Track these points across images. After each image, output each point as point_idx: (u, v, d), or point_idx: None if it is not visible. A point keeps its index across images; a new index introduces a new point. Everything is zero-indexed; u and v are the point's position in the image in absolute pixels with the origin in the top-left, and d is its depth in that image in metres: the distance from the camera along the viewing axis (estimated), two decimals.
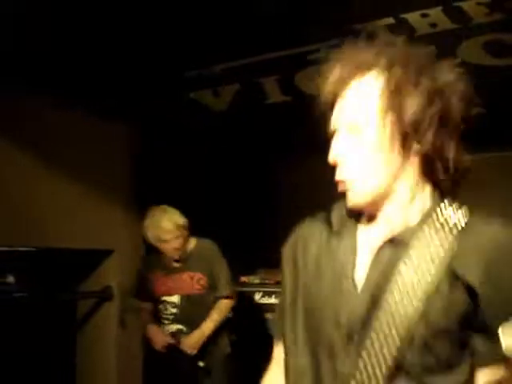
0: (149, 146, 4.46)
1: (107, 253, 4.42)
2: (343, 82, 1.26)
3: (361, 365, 1.19)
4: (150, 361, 4.58)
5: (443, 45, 3.07)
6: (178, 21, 3.02)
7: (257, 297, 4.92)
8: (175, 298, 3.80)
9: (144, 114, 4.18)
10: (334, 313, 1.24)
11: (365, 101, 1.24)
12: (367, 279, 1.24)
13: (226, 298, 3.84)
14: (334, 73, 1.28)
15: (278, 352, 1.44)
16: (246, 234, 5.01)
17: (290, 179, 5.35)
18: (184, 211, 4.49)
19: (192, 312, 3.76)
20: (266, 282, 4.99)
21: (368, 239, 1.28)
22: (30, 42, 3.09)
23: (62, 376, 4.45)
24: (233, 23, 2.98)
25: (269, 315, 4.78)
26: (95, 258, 4.44)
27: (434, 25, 2.91)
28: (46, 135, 3.87)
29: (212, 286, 3.82)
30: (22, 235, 3.77)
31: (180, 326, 3.81)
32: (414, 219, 1.25)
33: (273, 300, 4.91)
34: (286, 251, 1.47)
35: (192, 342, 3.71)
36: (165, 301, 3.83)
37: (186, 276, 3.79)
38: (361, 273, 1.25)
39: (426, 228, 1.22)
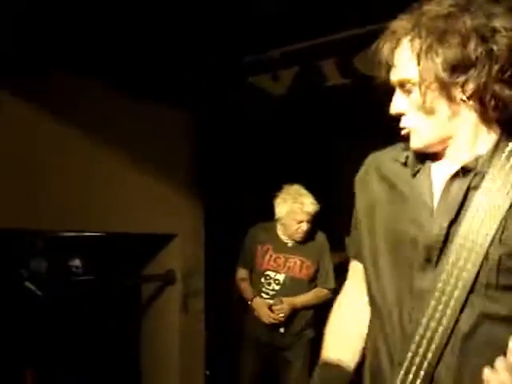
0: (209, 132, 4.49)
1: (170, 237, 4.48)
2: (391, 47, 1.37)
3: (439, 285, 1.27)
4: (213, 343, 4.67)
5: None
6: (237, 6, 3.02)
7: None
8: (281, 277, 3.90)
9: (204, 99, 4.21)
10: (414, 235, 1.33)
11: (406, 60, 1.34)
12: (441, 205, 1.32)
13: (328, 289, 3.95)
14: (385, 39, 1.39)
15: (353, 270, 1.58)
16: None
17: (352, 163, 5.29)
18: (244, 196, 4.52)
19: (292, 294, 3.86)
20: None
21: (440, 173, 1.37)
22: (94, 31, 3.16)
23: (126, 358, 4.57)
24: (291, 6, 2.97)
25: None
26: (158, 242, 4.52)
27: None
28: (110, 123, 3.94)
29: (315, 276, 3.96)
30: (88, 221, 3.87)
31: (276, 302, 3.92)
32: (481, 154, 1.32)
33: None
34: (359, 177, 1.57)
35: (285, 307, 3.80)
36: (269, 276, 3.91)
37: (297, 259, 3.91)
38: (436, 201, 1.34)
39: (496, 158, 1.30)
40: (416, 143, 1.38)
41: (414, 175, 1.40)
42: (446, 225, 1.30)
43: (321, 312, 3.85)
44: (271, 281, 3.90)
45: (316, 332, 3.87)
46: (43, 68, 3.37)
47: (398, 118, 1.40)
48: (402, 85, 1.36)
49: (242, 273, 4.07)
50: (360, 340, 1.54)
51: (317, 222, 3.94)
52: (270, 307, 3.82)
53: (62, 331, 4.11)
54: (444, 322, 1.26)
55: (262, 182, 4.83)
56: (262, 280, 3.92)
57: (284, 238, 3.95)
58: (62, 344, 4.10)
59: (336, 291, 3.89)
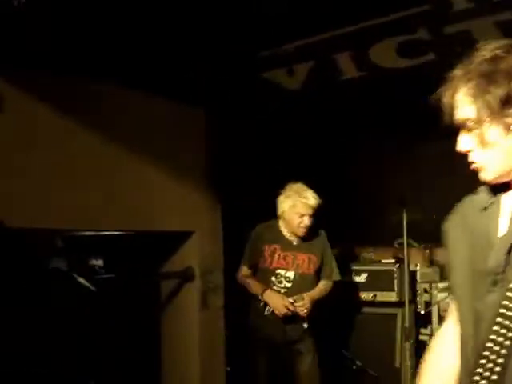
0: (225, 129, 4.50)
1: (188, 234, 4.50)
2: (450, 93, 1.51)
3: (504, 302, 1.38)
4: (233, 340, 4.68)
5: None
6: (250, 0, 3.03)
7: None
8: (291, 274, 4.07)
9: (218, 96, 4.21)
10: (484, 263, 1.45)
11: (464, 102, 1.48)
12: (504, 235, 1.44)
13: (332, 281, 4.25)
14: (445, 86, 1.54)
15: (451, 310, 1.68)
16: (322, 213, 5.04)
17: (368, 157, 5.29)
18: (261, 193, 4.52)
19: (302, 289, 4.05)
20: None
21: (508, 202, 1.50)
22: (108, 28, 3.17)
23: (146, 355, 4.58)
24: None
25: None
26: (176, 239, 4.53)
27: None
28: (129, 121, 3.97)
29: (320, 270, 4.19)
30: (107, 220, 3.90)
31: (290, 300, 4.03)
32: None
33: (352, 278, 4.95)
34: (449, 224, 1.66)
35: (307, 303, 3.98)
36: (279, 274, 4.07)
37: (304, 256, 4.10)
38: (503, 229, 1.46)
39: None
40: (485, 176, 1.50)
41: (486, 208, 1.52)
42: (503, 255, 1.41)
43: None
44: (282, 279, 4.06)
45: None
46: (58, 68, 3.41)
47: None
48: (463, 124, 1.49)
49: (245, 270, 4.19)
50: (453, 380, 1.61)
51: (319, 218, 4.11)
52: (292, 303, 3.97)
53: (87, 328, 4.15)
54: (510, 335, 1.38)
55: (279, 179, 4.83)
56: (273, 278, 4.07)
57: (288, 235, 4.13)
58: (86, 339, 4.14)
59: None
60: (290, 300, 3.97)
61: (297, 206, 3.98)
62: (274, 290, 4.04)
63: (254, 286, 4.08)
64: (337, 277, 4.26)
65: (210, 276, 4.51)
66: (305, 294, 3.99)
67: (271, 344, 4.03)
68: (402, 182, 5.04)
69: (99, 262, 4.74)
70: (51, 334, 3.91)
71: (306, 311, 3.96)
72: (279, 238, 4.13)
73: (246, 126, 4.55)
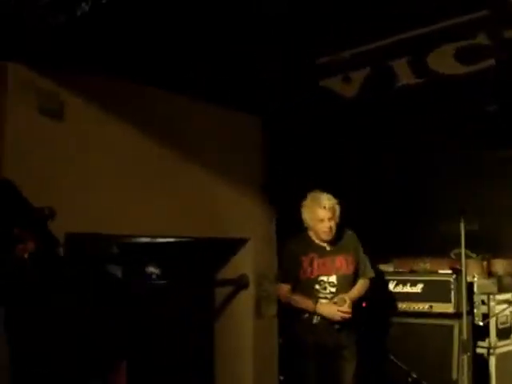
0: (280, 136, 4.53)
1: (242, 241, 4.53)
2: None
3: None
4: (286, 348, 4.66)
5: None
6: (308, 7, 3.05)
7: (391, 286, 4.89)
8: (333, 278, 4.06)
9: (276, 104, 4.25)
10: None
11: None
12: None
13: (369, 278, 4.23)
14: None
15: None
16: (377, 223, 4.99)
17: (427, 167, 5.24)
18: None
19: (347, 290, 4.07)
20: (400, 270, 4.99)
21: None
22: (160, 35, 3.24)
23: (200, 361, 4.62)
24: (360, 6, 2.97)
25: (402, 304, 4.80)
26: (231, 247, 4.57)
27: None
28: (185, 130, 4.05)
29: (357, 269, 4.18)
30: (163, 226, 3.97)
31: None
32: None
33: (407, 289, 4.86)
34: None
35: (349, 304, 3.97)
36: (322, 280, 4.05)
37: (340, 258, 4.10)
38: None
39: None
40: None
41: None
42: None
43: None
44: (326, 285, 4.05)
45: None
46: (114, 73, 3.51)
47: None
48: None
49: (286, 288, 4.12)
50: None
51: (344, 220, 4.12)
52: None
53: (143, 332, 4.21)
54: None
55: (332, 187, 4.82)
56: (317, 286, 4.05)
57: (320, 243, 4.11)
58: (142, 344, 4.20)
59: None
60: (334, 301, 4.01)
61: (314, 212, 4.02)
62: (320, 297, 4.02)
63: (304, 303, 4.04)
64: (371, 274, 4.25)
65: (263, 284, 4.52)
66: (345, 295, 4.00)
67: (321, 350, 4.01)
68: (460, 191, 4.96)
69: (155, 269, 4.82)
70: (103, 341, 3.98)
71: (350, 312, 3.96)
72: (312, 246, 4.12)
73: (302, 133, 4.56)
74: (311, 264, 4.05)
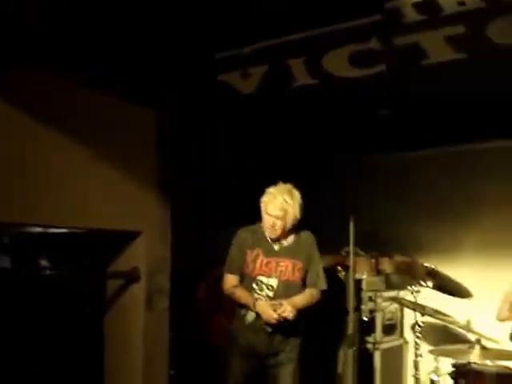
0: (177, 129, 4.50)
1: (135, 234, 4.46)
2: None
3: None
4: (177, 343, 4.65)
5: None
6: (207, 1, 3.04)
7: None
8: (273, 281, 3.84)
9: (172, 96, 4.21)
10: None
11: None
12: None
13: (319, 289, 3.95)
14: None
15: None
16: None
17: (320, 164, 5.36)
18: (210, 196, 4.51)
19: (285, 297, 3.80)
20: None
21: None
22: (62, 26, 3.14)
23: (89, 354, 4.52)
24: (259, 2, 2.99)
25: None
26: (124, 239, 4.49)
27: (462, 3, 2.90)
28: (76, 117, 3.94)
29: (306, 278, 3.93)
30: (54, 217, 3.84)
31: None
32: None
33: None
34: None
35: (289, 308, 3.71)
36: (262, 281, 3.84)
37: (288, 262, 3.86)
38: None
39: None
40: None
41: None
42: None
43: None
44: (263, 286, 3.84)
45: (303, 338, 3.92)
46: (5, 62, 3.36)
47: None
48: None
49: (232, 280, 3.93)
50: None
51: (302, 222, 3.92)
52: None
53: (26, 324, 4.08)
54: None
55: (233, 182, 4.85)
56: (254, 286, 3.84)
57: (270, 241, 3.90)
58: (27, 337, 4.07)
59: (326, 293, 3.99)
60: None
61: (267, 204, 3.82)
62: (256, 298, 3.81)
63: (244, 298, 3.85)
64: (322, 285, 3.96)
65: (155, 277, 4.48)
66: (284, 301, 3.74)
67: (252, 351, 3.84)
68: (352, 191, 5.12)
69: (46, 260, 4.68)
70: None
71: (290, 315, 3.70)
72: (262, 242, 3.91)
73: (199, 128, 4.55)
74: (254, 261, 3.86)
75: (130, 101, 4.14)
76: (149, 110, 4.38)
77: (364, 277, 4.93)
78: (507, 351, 3.88)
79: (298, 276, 3.88)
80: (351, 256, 4.47)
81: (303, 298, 3.86)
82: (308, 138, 5.09)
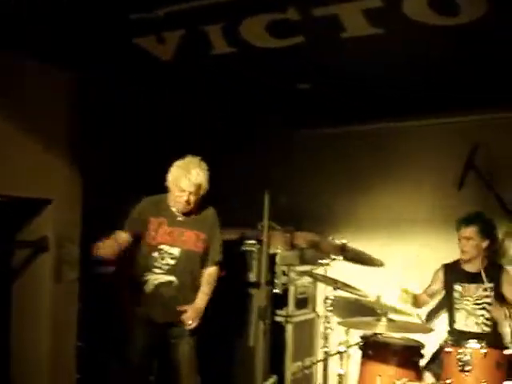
0: (91, 93, 4.34)
1: (45, 202, 4.30)
2: None
3: None
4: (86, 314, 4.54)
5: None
6: None
7: None
8: (175, 250, 3.87)
9: (85, 58, 4.04)
10: None
11: None
12: None
13: (216, 264, 4.04)
14: None
15: None
16: None
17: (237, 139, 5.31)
18: (123, 164, 4.39)
19: (186, 267, 3.89)
20: None
21: None
22: None
23: None
24: None
25: None
26: (32, 207, 4.33)
27: None
28: None
29: (208, 250, 4.00)
30: None
31: (172, 278, 3.87)
32: None
33: None
34: None
35: (193, 315, 3.84)
36: (163, 250, 3.86)
37: (190, 232, 3.90)
38: None
39: None
40: None
41: None
42: None
43: None
44: (165, 255, 3.85)
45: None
46: None
47: None
48: None
49: (118, 234, 3.85)
50: None
51: (208, 196, 3.96)
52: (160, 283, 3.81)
53: None
54: None
55: (146, 152, 4.73)
56: (156, 254, 3.85)
57: (175, 211, 3.92)
58: None
59: (222, 265, 4.06)
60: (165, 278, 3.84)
61: (178, 179, 3.80)
62: (156, 267, 3.85)
63: (107, 242, 3.71)
64: (217, 257, 4.05)
65: (65, 247, 4.34)
66: (188, 307, 3.83)
67: (151, 322, 3.87)
68: (269, 166, 5.10)
69: None
70: None
71: (194, 324, 3.83)
72: (167, 211, 3.93)
73: (114, 93, 4.40)
74: (157, 229, 3.87)
75: (42, 61, 3.97)
76: (61, 71, 4.21)
77: (278, 251, 4.93)
78: (413, 323, 3.99)
79: (200, 247, 3.94)
80: (265, 229, 4.49)
81: (206, 293, 3.95)
82: (226, 109, 5.01)
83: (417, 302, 4.44)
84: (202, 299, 3.92)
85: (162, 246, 3.86)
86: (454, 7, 3.17)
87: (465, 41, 3.56)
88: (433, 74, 4.13)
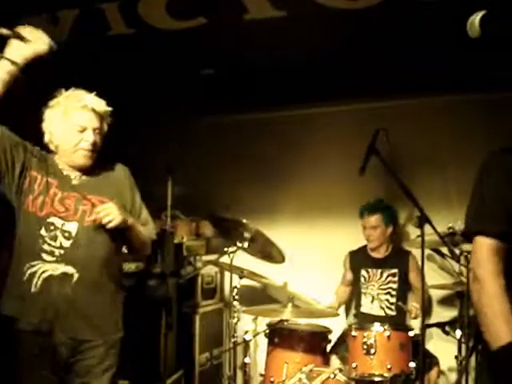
0: None
1: None
2: None
3: None
4: None
5: None
6: None
7: None
8: (72, 226, 2.63)
9: None
10: None
11: None
12: None
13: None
14: None
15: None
16: None
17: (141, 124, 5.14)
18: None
19: (89, 252, 2.65)
20: None
21: None
22: None
23: None
24: None
25: None
26: None
27: None
28: None
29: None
30: None
31: (68, 269, 2.60)
32: None
33: None
34: None
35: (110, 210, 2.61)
36: (53, 225, 2.62)
37: (94, 199, 2.67)
38: None
39: None
40: None
41: None
42: None
43: None
44: (58, 233, 2.61)
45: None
46: None
47: None
48: None
49: None
50: None
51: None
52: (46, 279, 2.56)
53: None
54: None
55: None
56: (43, 232, 2.60)
57: (67, 171, 2.73)
58: None
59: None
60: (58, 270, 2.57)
61: (69, 114, 2.65)
62: (44, 250, 2.58)
63: None
64: (152, 234, 2.93)
65: None
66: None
67: (42, 341, 2.58)
68: (172, 154, 4.96)
69: None
70: None
71: (117, 220, 2.59)
72: (56, 172, 2.71)
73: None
74: (44, 192, 2.62)
75: None
76: None
77: (184, 240, 4.82)
78: (318, 309, 3.99)
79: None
80: (168, 219, 4.39)
81: (134, 221, 2.76)
82: (129, 96, 4.82)
83: (338, 298, 4.57)
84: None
85: (52, 220, 2.61)
86: None
87: (365, 25, 3.58)
88: (334, 59, 4.14)
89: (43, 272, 2.59)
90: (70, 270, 2.59)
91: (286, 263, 4.26)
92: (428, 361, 3.95)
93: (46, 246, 2.60)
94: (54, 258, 2.59)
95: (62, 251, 2.60)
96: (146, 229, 2.86)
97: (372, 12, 3.40)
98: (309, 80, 4.56)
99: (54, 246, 2.60)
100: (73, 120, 2.66)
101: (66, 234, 2.61)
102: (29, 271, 2.59)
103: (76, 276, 2.60)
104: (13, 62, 2.46)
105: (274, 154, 5.20)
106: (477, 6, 1.73)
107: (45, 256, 2.59)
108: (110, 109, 2.77)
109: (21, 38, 2.43)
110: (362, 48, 3.98)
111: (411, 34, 3.70)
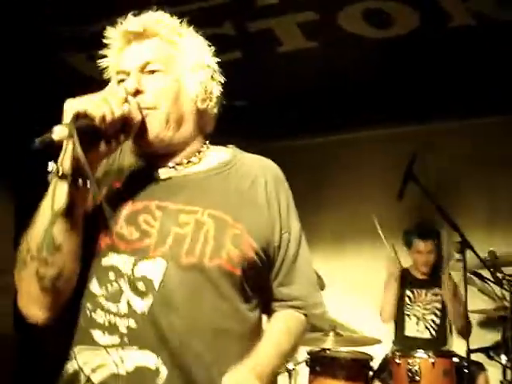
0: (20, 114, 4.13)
1: None
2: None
3: None
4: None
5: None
6: None
7: None
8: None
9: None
10: None
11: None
12: None
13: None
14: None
15: None
16: None
17: None
18: None
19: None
20: None
21: None
22: None
23: None
24: None
25: None
26: None
27: None
28: None
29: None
30: None
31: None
32: None
33: None
34: None
35: None
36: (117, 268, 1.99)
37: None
38: None
39: None
40: None
41: None
42: None
43: None
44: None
45: None
46: None
47: None
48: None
49: None
50: None
51: None
52: None
53: None
54: None
55: None
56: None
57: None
58: None
59: None
60: None
61: None
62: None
63: None
64: None
65: None
66: None
67: None
68: None
69: None
70: None
71: None
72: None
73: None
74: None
75: None
76: None
77: None
78: (360, 337, 3.96)
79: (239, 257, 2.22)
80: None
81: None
82: None
83: (387, 313, 4.46)
84: None
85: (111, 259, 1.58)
86: (387, 20, 3.20)
87: (398, 52, 3.60)
88: (367, 86, 4.15)
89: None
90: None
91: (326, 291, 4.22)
92: (473, 368, 3.84)
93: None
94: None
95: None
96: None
97: (403, 39, 3.42)
98: (341, 106, 4.57)
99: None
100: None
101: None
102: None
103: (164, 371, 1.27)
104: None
105: (307, 179, 5.19)
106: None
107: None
108: None
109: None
110: (393, 74, 3.99)
111: (442, 60, 3.72)
